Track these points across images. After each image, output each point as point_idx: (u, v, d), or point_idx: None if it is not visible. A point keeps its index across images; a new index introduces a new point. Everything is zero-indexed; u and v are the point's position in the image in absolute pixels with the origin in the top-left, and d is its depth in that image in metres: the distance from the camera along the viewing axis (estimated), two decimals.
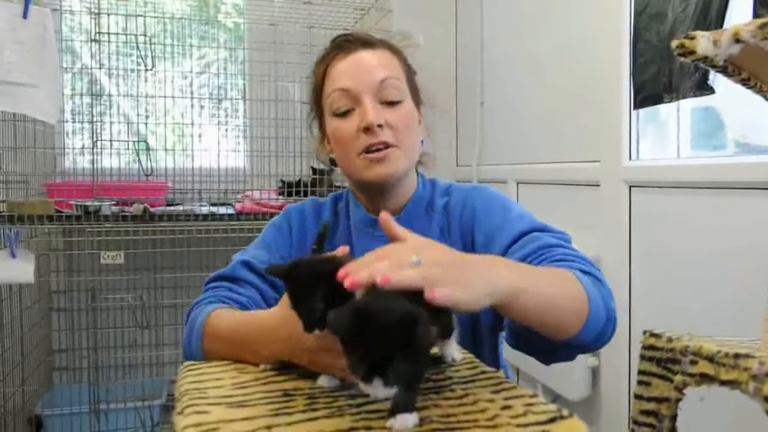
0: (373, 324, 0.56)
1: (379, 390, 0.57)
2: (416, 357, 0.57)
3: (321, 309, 0.66)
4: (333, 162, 1.11)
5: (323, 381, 0.73)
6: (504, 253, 0.93)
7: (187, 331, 0.94)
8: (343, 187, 1.28)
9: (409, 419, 0.59)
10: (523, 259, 0.89)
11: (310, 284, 0.67)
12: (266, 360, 0.81)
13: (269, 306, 0.98)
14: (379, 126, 0.98)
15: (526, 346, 0.85)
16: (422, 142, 1.09)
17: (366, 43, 1.04)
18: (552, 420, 0.60)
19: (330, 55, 1.06)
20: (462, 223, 1.05)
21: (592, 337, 0.80)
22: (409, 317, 0.56)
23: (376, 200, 1.08)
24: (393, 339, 0.56)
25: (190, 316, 0.96)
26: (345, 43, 1.05)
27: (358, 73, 1.01)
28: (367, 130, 0.98)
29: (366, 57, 1.02)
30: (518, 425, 0.59)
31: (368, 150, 1.00)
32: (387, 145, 0.99)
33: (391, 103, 1.01)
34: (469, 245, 1.03)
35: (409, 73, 1.09)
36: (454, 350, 0.80)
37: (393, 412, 0.60)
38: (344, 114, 1.01)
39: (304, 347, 0.73)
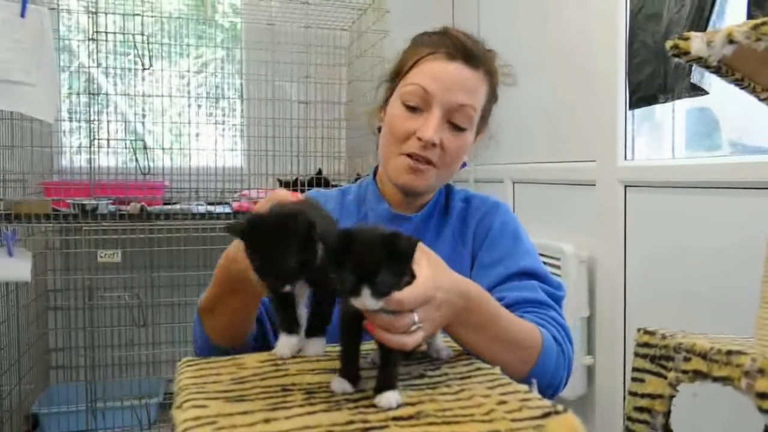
0: (360, 240, 0.63)
1: (368, 300, 0.62)
2: (398, 269, 0.64)
3: (293, 263, 0.68)
4: (379, 129, 1.12)
5: (336, 385, 0.70)
6: (502, 282, 1.00)
7: (192, 336, 0.99)
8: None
9: (393, 397, 0.64)
10: (514, 302, 0.96)
11: (274, 240, 0.68)
12: (246, 285, 0.83)
13: (259, 319, 1.01)
14: (433, 145, 1.00)
15: None
16: (463, 164, 1.11)
17: (470, 58, 1.02)
18: (546, 415, 0.60)
19: (433, 47, 1.03)
20: (475, 235, 1.09)
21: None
22: (391, 234, 0.63)
23: (399, 195, 1.10)
24: (378, 252, 0.62)
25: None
26: (451, 47, 1.02)
27: (445, 84, 1.00)
28: (420, 140, 1.00)
29: (461, 73, 1.01)
30: (513, 420, 0.60)
31: (410, 155, 1.02)
32: (429, 162, 1.02)
33: (455, 127, 1.02)
34: (474, 255, 1.08)
35: (489, 102, 1.09)
36: (441, 347, 0.82)
37: (377, 391, 0.65)
38: (411, 108, 1.02)
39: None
